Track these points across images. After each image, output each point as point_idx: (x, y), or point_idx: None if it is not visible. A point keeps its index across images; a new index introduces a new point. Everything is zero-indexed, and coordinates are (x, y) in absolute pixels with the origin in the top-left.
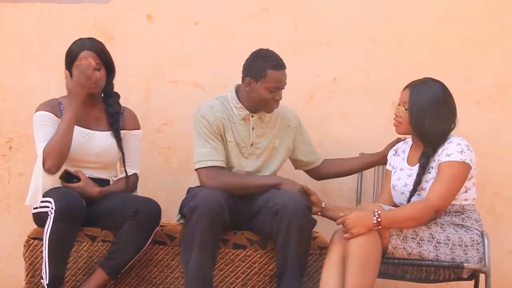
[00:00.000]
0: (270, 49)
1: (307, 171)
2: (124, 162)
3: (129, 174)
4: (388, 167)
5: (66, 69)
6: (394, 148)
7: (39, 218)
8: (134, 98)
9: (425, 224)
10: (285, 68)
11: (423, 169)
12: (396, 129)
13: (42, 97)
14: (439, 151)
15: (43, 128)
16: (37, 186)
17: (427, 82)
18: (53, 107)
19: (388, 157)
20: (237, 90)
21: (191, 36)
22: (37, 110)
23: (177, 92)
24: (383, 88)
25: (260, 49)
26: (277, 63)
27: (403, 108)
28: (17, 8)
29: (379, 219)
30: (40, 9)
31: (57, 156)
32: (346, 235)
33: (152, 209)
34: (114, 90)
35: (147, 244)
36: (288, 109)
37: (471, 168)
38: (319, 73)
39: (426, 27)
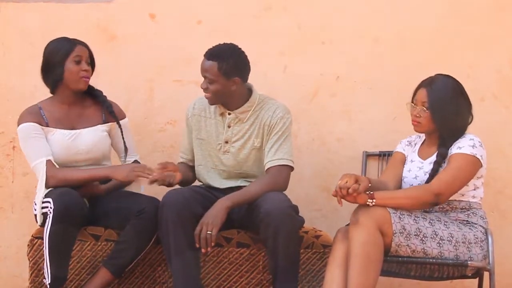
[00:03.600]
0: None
1: None
2: (126, 150)
3: (130, 162)
4: (400, 150)
5: (56, 65)
6: (408, 139)
7: (41, 218)
8: (137, 98)
9: (424, 206)
10: (205, 58)
11: (442, 158)
12: (416, 128)
13: (44, 97)
14: (452, 145)
15: (31, 143)
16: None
17: (440, 78)
18: (35, 115)
19: (402, 144)
20: None
21: (194, 35)
22: (19, 122)
23: (181, 91)
24: (386, 86)
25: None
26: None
27: (423, 108)
28: (20, 8)
29: (371, 192)
30: (43, 9)
31: (61, 184)
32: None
33: (155, 208)
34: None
35: (151, 243)
36: (277, 106)
37: (481, 165)
38: (322, 71)
39: (429, 25)
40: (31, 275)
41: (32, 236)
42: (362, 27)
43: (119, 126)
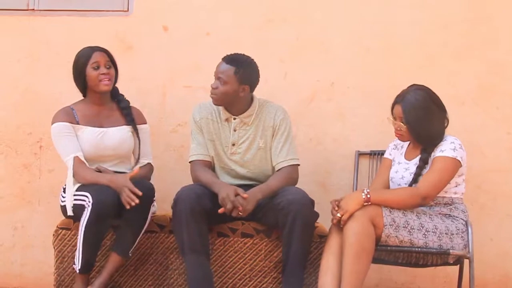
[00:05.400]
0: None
1: None
2: (139, 154)
3: (143, 164)
4: (388, 155)
5: (79, 72)
6: (394, 142)
7: (74, 210)
8: (151, 102)
9: (413, 207)
10: (223, 61)
11: (423, 163)
12: (400, 139)
13: (69, 102)
14: (435, 148)
15: (63, 140)
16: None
17: (413, 91)
18: (68, 115)
19: (389, 149)
20: None
21: (203, 45)
22: (53, 122)
23: (190, 96)
24: (376, 91)
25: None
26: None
27: (401, 123)
28: (46, 21)
29: (368, 196)
30: (67, 21)
31: (81, 181)
32: (336, 220)
33: (144, 189)
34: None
35: (148, 220)
36: (277, 109)
37: (461, 165)
38: (318, 78)
39: (415, 36)
40: (56, 262)
41: (57, 227)
42: (355, 38)
43: (135, 129)
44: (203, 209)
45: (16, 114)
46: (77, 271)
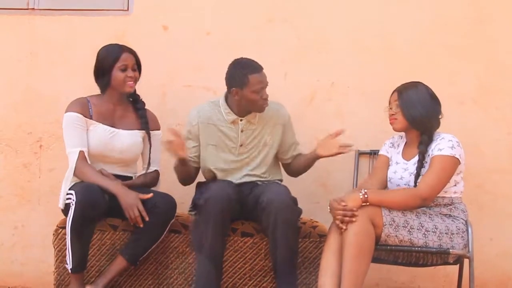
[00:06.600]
0: (245, 57)
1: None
2: (149, 159)
3: (151, 170)
4: (384, 152)
5: (105, 71)
6: (390, 140)
7: (65, 209)
8: (151, 101)
9: (412, 208)
10: (263, 69)
11: (423, 155)
12: (393, 126)
13: (69, 101)
14: (433, 146)
15: (72, 132)
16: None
17: (411, 83)
18: (83, 106)
19: (386, 146)
20: (226, 97)
21: (203, 45)
22: (67, 110)
23: (190, 95)
24: (376, 91)
25: (236, 59)
26: (255, 68)
27: (396, 105)
28: (46, 20)
29: (366, 196)
30: (67, 21)
31: (81, 178)
32: (341, 224)
33: (168, 204)
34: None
35: (163, 235)
36: (279, 106)
37: (459, 163)
38: (319, 77)
39: (415, 36)
40: (56, 261)
41: (57, 226)
42: (355, 38)
43: (149, 136)
44: (231, 213)
45: (16, 114)
46: (69, 271)
